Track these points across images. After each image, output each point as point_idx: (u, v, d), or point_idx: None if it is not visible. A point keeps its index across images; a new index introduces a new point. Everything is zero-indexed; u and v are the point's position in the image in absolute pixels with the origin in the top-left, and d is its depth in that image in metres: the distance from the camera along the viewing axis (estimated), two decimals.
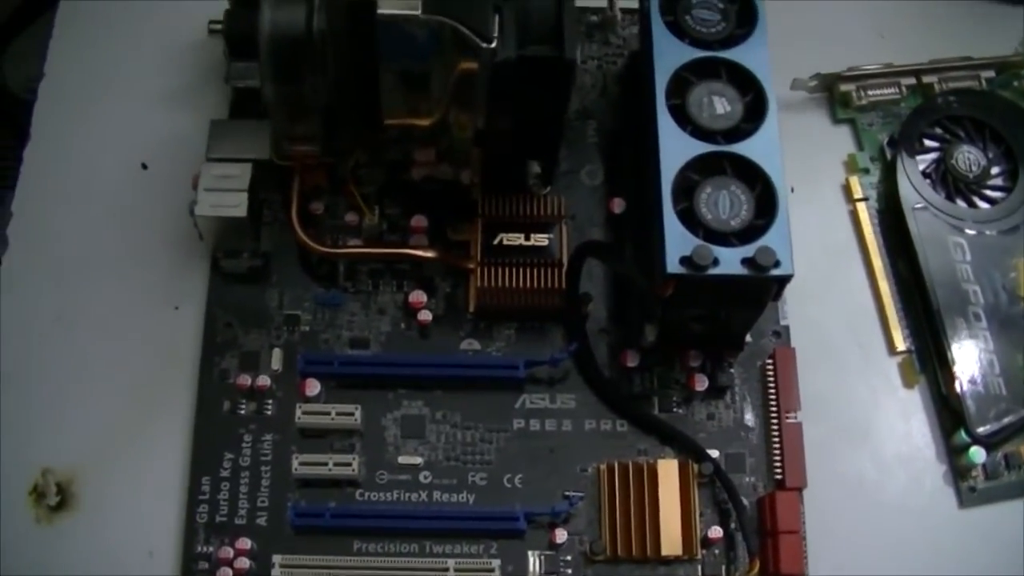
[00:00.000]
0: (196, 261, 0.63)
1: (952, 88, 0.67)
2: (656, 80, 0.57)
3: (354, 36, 0.53)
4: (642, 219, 0.62)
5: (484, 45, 0.51)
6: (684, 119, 0.57)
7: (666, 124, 0.56)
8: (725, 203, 0.55)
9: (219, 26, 0.64)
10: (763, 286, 0.55)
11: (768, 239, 0.54)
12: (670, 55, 0.58)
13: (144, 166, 0.66)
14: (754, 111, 0.57)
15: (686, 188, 0.55)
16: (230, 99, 0.66)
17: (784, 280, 0.54)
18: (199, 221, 0.60)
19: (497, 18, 0.51)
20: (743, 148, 0.56)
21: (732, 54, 0.58)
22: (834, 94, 0.68)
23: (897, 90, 0.67)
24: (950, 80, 0.67)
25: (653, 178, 0.56)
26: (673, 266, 0.53)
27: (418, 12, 0.51)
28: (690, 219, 0.55)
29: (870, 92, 0.67)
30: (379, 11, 0.51)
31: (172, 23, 0.69)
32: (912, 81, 0.67)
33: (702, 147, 0.56)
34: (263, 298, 0.62)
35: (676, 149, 0.56)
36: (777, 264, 0.53)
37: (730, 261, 0.53)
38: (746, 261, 0.53)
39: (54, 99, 0.67)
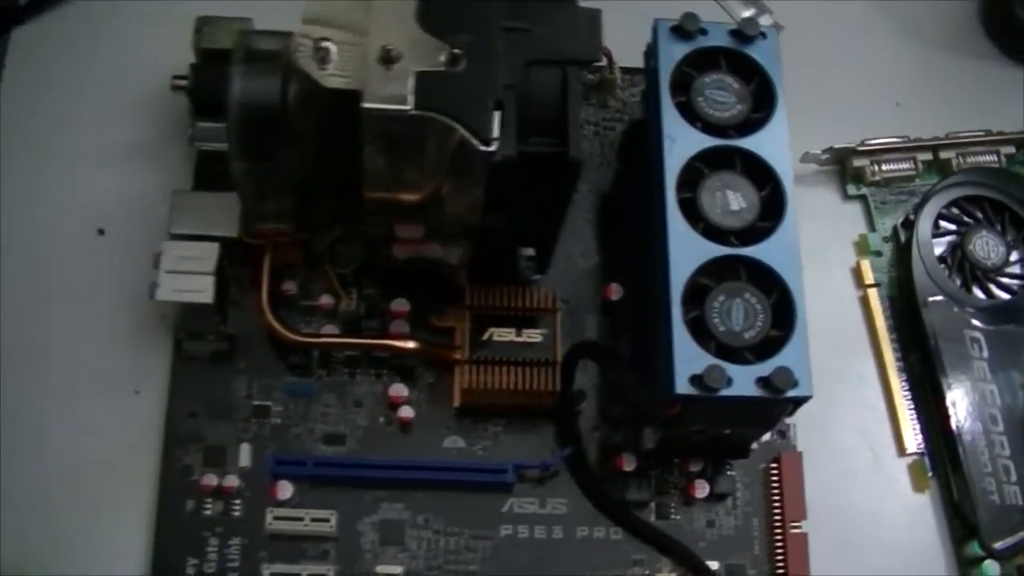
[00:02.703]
0: (158, 340, 0.58)
1: (970, 165, 0.63)
2: (666, 171, 0.52)
3: (334, 115, 0.48)
4: (642, 308, 0.58)
5: (483, 148, 0.46)
6: (695, 215, 0.52)
7: (676, 222, 0.52)
8: (739, 313, 0.51)
9: (184, 82, 0.58)
10: (778, 407, 0.51)
11: (786, 356, 0.50)
12: (681, 142, 0.53)
13: (101, 231, 0.60)
14: (771, 207, 0.53)
15: (696, 293, 0.51)
16: (195, 160, 0.60)
17: (801, 401, 0.50)
18: (160, 305, 0.55)
19: (497, 115, 0.46)
20: (759, 251, 0.52)
21: (748, 142, 0.53)
22: (846, 169, 0.63)
23: (912, 165, 0.63)
24: (968, 155, 0.63)
25: (660, 281, 0.51)
26: (682, 386, 0.49)
27: (408, 108, 0.46)
28: (700, 330, 0.50)
29: (884, 167, 0.63)
30: (364, 104, 0.45)
31: (131, 74, 0.63)
32: (928, 156, 0.63)
33: (715, 249, 0.52)
34: (230, 386, 0.57)
35: (687, 250, 0.51)
36: (795, 385, 0.49)
37: (744, 381, 0.49)
38: (761, 381, 0.49)
39: (2, 153, 0.61)
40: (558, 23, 0.49)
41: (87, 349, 0.58)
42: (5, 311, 0.58)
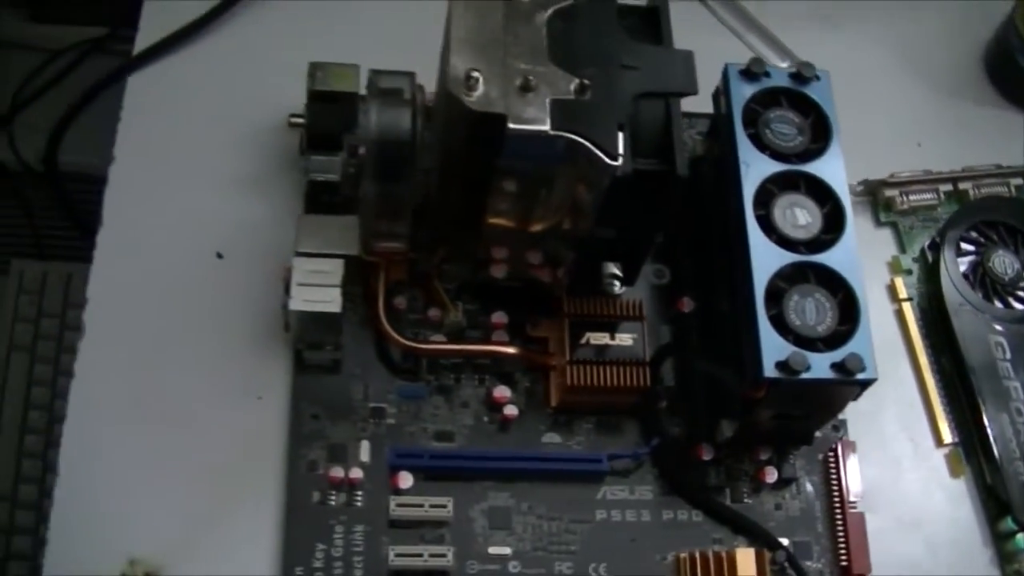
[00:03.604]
0: (276, 351, 0.64)
1: (985, 195, 0.72)
2: (744, 191, 0.61)
3: (471, 143, 0.55)
4: (711, 319, 0.66)
5: (611, 163, 0.53)
6: (769, 229, 0.60)
7: (755, 234, 0.60)
8: (811, 310, 0.59)
9: (300, 120, 0.66)
10: (848, 389, 0.59)
11: (854, 345, 0.58)
12: (755, 167, 0.61)
13: (219, 255, 0.67)
14: (833, 222, 0.61)
15: (774, 295, 0.59)
16: (304, 191, 0.67)
17: (868, 383, 0.58)
18: (290, 315, 0.61)
19: (621, 135, 0.54)
20: (826, 258, 0.60)
21: (811, 167, 0.62)
22: (878, 198, 0.72)
23: (935, 195, 0.72)
24: (983, 186, 0.72)
25: (742, 285, 0.59)
26: (769, 370, 0.57)
27: (547, 128, 0.53)
28: (780, 325, 0.58)
29: (911, 197, 0.72)
30: (510, 125, 0.53)
31: (242, 109, 0.70)
32: (949, 187, 0.72)
33: (788, 256, 0.60)
34: (347, 390, 0.64)
35: (765, 258, 0.59)
36: (863, 369, 0.57)
37: (820, 366, 0.57)
38: (835, 366, 0.57)
39: (125, 183, 0.68)
40: (660, 62, 0.57)
41: (211, 360, 0.64)
42: (139, 328, 0.64)
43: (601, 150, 0.53)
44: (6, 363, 0.97)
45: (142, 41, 0.72)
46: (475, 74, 0.53)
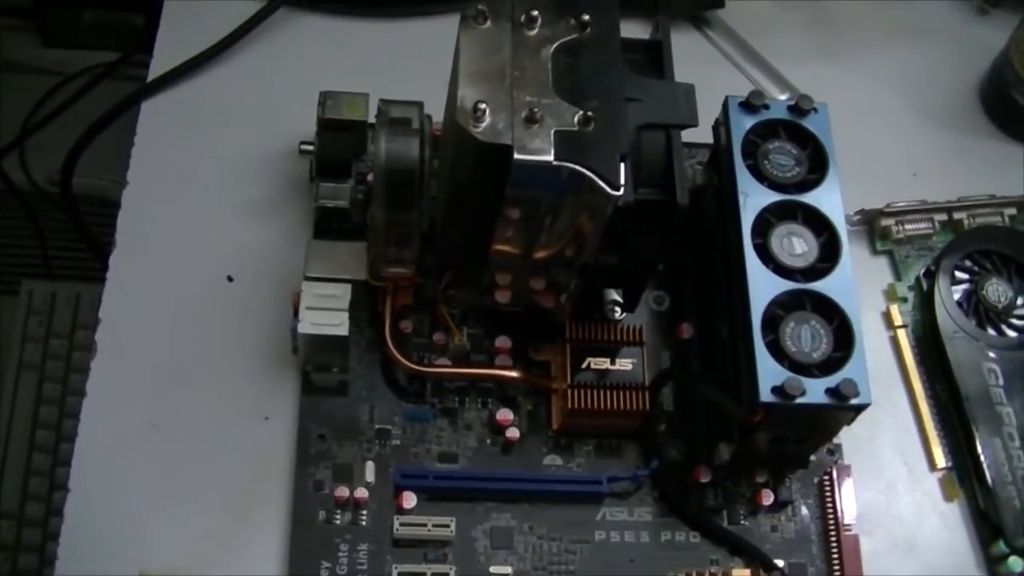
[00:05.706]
0: (283, 373, 0.66)
1: (979, 224, 0.73)
2: (743, 221, 0.62)
3: (478, 173, 0.56)
4: (709, 344, 0.67)
5: (613, 193, 0.55)
6: (767, 257, 0.62)
7: (753, 262, 0.61)
8: (807, 336, 0.60)
9: (310, 147, 0.67)
10: (843, 414, 0.60)
11: (848, 371, 0.59)
12: (753, 197, 0.63)
13: (230, 278, 0.68)
14: (829, 251, 0.62)
15: (771, 322, 0.60)
16: (313, 216, 0.68)
17: (862, 408, 0.59)
18: (299, 337, 0.63)
19: (623, 166, 0.55)
20: (821, 286, 0.61)
21: (808, 198, 0.63)
22: (874, 228, 0.74)
23: (930, 225, 0.74)
24: (977, 216, 0.74)
25: (740, 312, 0.61)
26: (765, 395, 0.58)
27: (551, 158, 0.55)
28: (776, 351, 0.59)
29: (907, 226, 0.73)
30: (515, 156, 0.54)
31: (254, 136, 0.72)
32: (944, 217, 0.74)
33: (785, 284, 0.61)
34: (353, 412, 0.65)
35: (763, 286, 0.61)
36: (857, 394, 0.58)
37: (815, 391, 0.58)
38: (830, 391, 0.58)
39: (138, 206, 0.69)
40: (662, 95, 0.59)
41: (220, 381, 0.66)
42: (149, 349, 0.66)
43: (603, 180, 0.55)
44: (15, 382, 0.99)
45: (156, 68, 0.73)
46: (482, 105, 0.55)
